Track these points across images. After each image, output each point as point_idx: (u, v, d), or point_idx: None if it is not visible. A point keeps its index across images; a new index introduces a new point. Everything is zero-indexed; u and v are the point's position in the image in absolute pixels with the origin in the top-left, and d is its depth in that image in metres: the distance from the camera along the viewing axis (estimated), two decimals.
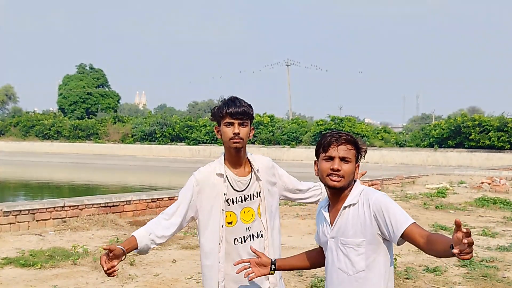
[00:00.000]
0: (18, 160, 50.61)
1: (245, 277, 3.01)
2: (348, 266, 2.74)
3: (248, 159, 3.37)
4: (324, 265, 2.98)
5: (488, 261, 8.42)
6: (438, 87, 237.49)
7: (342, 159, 2.74)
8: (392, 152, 46.42)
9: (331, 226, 2.81)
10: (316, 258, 3.10)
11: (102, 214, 11.15)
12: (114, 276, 3.01)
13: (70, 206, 10.78)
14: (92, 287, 6.71)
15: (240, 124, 3.23)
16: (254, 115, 3.36)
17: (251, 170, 3.36)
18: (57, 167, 42.76)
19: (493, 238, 10.44)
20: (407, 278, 7.37)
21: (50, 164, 45.78)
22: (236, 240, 3.27)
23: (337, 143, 2.75)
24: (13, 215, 9.92)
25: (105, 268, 2.97)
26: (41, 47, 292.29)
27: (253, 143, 53.59)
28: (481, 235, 10.73)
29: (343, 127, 48.55)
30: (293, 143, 51.37)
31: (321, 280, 6.84)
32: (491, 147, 41.73)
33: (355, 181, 2.88)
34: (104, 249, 3.01)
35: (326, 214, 2.86)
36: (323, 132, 47.66)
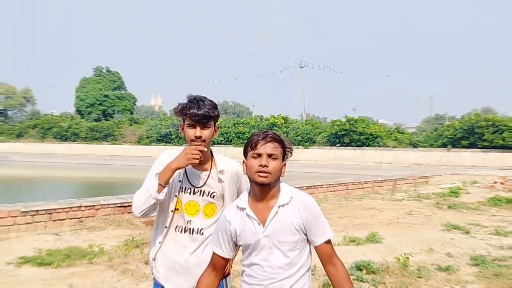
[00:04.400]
0: (37, 161, 50.98)
1: None
2: (284, 261, 2.83)
3: (214, 158, 3.40)
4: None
5: (500, 260, 8.38)
6: (452, 88, 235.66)
7: (270, 156, 2.84)
8: (405, 153, 46.20)
9: (263, 225, 2.86)
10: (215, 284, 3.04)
11: (117, 214, 11.23)
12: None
13: (86, 206, 10.87)
14: (107, 285, 6.77)
15: (202, 127, 3.24)
16: (218, 115, 3.32)
17: (213, 168, 3.37)
18: (75, 168, 43.05)
19: (506, 237, 10.40)
20: (419, 277, 7.34)
21: (68, 166, 46.10)
22: (177, 227, 3.35)
23: (265, 141, 2.85)
24: (31, 215, 10.04)
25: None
26: (59, 50, 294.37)
27: None
28: (494, 234, 10.70)
29: (357, 128, 48.42)
30: (307, 144, 51.30)
31: None
32: (505, 147, 41.37)
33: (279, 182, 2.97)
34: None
35: (252, 214, 2.88)
36: (338, 133, 47.27)
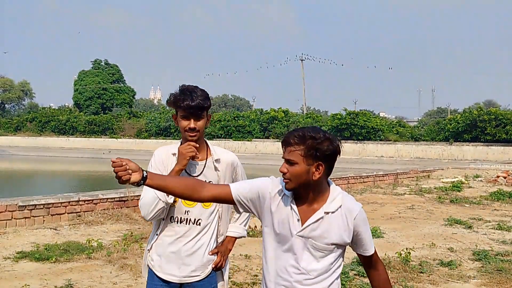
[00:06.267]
0: (34, 155, 51.00)
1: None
2: (314, 267, 2.68)
3: (209, 148, 3.46)
4: (189, 199, 2.79)
5: (503, 255, 8.38)
6: (454, 81, 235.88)
7: (287, 161, 2.65)
8: (407, 146, 46.20)
9: (301, 223, 2.67)
10: (191, 188, 2.70)
11: (116, 208, 11.21)
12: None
13: (84, 201, 10.84)
14: (106, 280, 6.75)
15: (195, 118, 3.28)
16: (211, 104, 3.36)
17: (209, 158, 3.41)
18: (73, 162, 43.10)
19: (508, 232, 10.38)
20: (421, 272, 7.33)
21: (66, 159, 46.14)
22: (172, 218, 3.33)
23: (284, 144, 2.68)
24: (28, 210, 10.00)
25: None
26: (57, 43, 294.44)
27: (267, 137, 53.57)
28: (496, 229, 10.68)
29: (358, 121, 48.41)
30: None
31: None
32: (508, 141, 41.41)
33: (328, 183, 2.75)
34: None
35: (296, 208, 2.69)
36: (339, 126, 47.05)
